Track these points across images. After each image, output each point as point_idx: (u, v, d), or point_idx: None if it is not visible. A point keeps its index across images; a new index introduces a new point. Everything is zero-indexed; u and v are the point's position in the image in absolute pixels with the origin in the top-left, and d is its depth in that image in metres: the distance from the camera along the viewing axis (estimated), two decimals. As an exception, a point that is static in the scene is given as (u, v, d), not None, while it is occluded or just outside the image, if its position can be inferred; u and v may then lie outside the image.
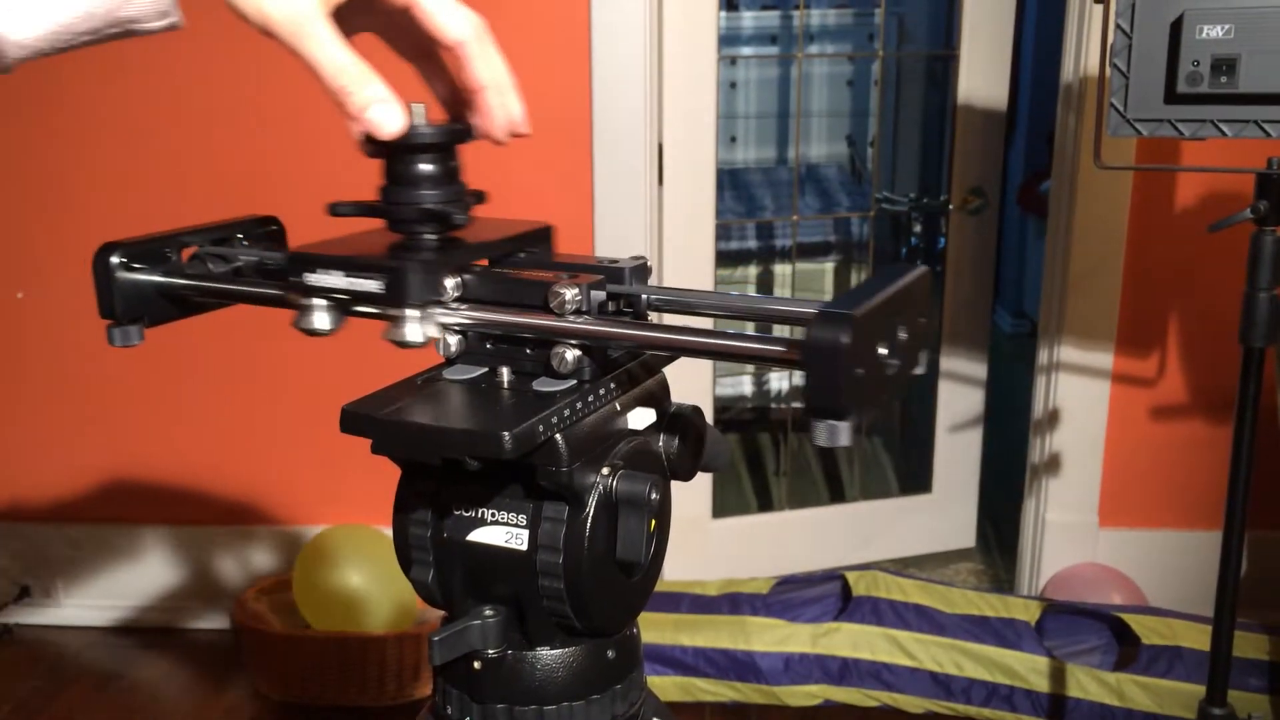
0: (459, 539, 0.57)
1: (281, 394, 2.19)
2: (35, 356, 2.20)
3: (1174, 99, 1.31)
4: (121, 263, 0.61)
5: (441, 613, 0.60)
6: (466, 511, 0.57)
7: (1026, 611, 1.95)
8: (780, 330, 0.63)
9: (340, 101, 0.53)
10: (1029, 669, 1.88)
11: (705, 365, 2.29)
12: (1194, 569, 2.16)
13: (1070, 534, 2.24)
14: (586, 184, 2.05)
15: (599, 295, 0.56)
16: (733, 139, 3.25)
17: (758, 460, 3.01)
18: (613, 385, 0.56)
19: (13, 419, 2.24)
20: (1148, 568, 2.21)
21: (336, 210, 0.59)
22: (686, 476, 0.62)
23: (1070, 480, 2.22)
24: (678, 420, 0.61)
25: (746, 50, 3.23)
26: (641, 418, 0.58)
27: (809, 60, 3.14)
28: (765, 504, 2.73)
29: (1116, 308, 2.12)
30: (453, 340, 0.56)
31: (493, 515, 0.56)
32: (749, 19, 3.16)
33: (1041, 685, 1.87)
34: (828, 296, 3.12)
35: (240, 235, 0.66)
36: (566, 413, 0.53)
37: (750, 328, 0.66)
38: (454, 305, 0.55)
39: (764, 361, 0.50)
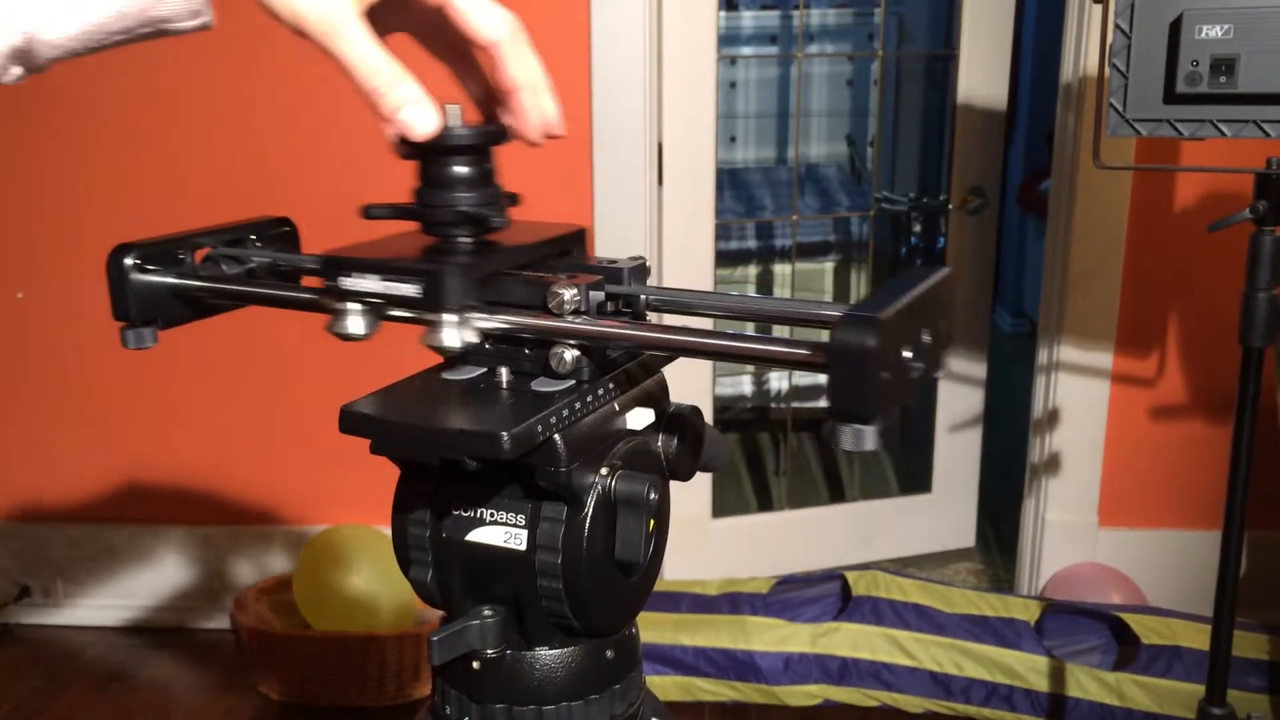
0: (458, 539, 0.57)
1: (281, 394, 2.19)
2: (35, 356, 2.20)
3: (1173, 99, 1.31)
4: (135, 264, 0.60)
5: (441, 612, 0.60)
6: (465, 511, 0.57)
7: (1026, 611, 1.95)
8: (780, 331, 0.63)
9: (373, 102, 0.52)
10: (1029, 669, 1.88)
11: (705, 365, 2.29)
12: (1193, 569, 2.16)
13: (1070, 534, 2.24)
14: (586, 184, 2.05)
15: (598, 295, 0.56)
16: (732, 139, 3.26)
17: (758, 460, 3.01)
18: (611, 385, 0.56)
19: (13, 419, 2.24)
20: (1147, 567, 2.21)
21: (370, 213, 0.58)
22: (685, 476, 0.62)
23: (1070, 480, 2.22)
24: (676, 420, 0.61)
25: (746, 50, 3.23)
26: (640, 418, 0.58)
27: (809, 60, 3.14)
28: (765, 504, 2.73)
29: (1116, 308, 2.12)
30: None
31: (491, 515, 0.56)
32: (749, 19, 3.16)
33: (1041, 685, 1.87)
34: (828, 296, 3.10)
35: (254, 236, 0.66)
36: (565, 413, 0.53)
37: (750, 328, 0.66)
38: (492, 310, 0.55)
39: (787, 365, 0.50)
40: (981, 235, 2.46)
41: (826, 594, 2.09)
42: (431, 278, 0.53)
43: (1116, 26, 1.33)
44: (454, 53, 0.59)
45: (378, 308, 0.55)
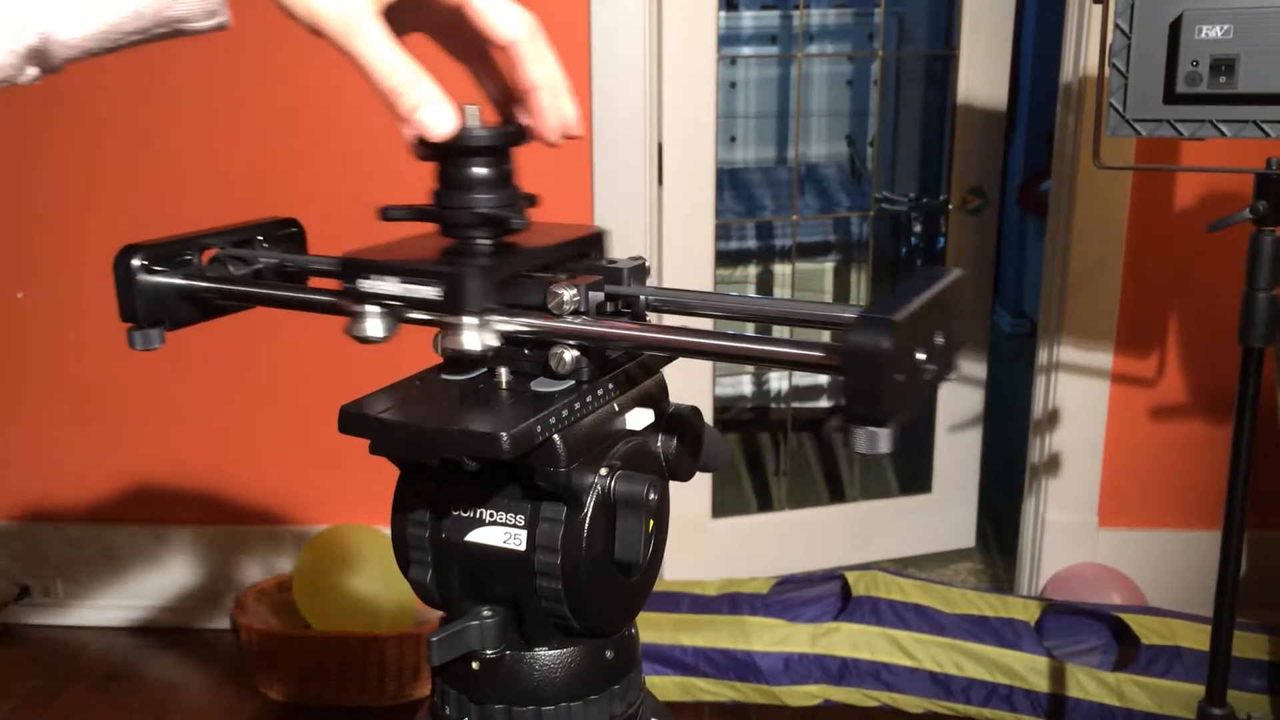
0: (457, 539, 0.57)
1: (281, 394, 2.19)
2: (35, 356, 2.20)
3: (1173, 99, 1.31)
4: (143, 265, 0.60)
5: (440, 613, 0.60)
6: (465, 512, 0.57)
7: (1026, 611, 1.95)
8: (780, 331, 0.63)
9: (390, 102, 0.51)
10: (1029, 669, 1.88)
11: (705, 365, 2.29)
12: (1193, 569, 2.16)
13: (1070, 534, 2.24)
14: (586, 184, 2.05)
15: (597, 296, 0.56)
16: (732, 139, 3.26)
17: (758, 460, 3.01)
18: (611, 386, 0.56)
19: (12, 419, 2.24)
20: (1147, 568, 2.21)
21: (388, 214, 0.57)
22: (685, 477, 0.62)
23: (1070, 480, 2.22)
24: (676, 420, 0.61)
25: (746, 50, 3.23)
26: (640, 418, 0.58)
27: (809, 60, 3.14)
28: (765, 504, 2.73)
29: (1116, 308, 2.12)
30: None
31: (491, 516, 0.56)
32: (749, 19, 3.16)
33: (1041, 685, 1.87)
34: (827, 297, 3.10)
35: (260, 237, 0.66)
36: (564, 413, 0.53)
37: (750, 328, 0.66)
38: (511, 312, 0.54)
39: (799, 367, 0.50)
40: (981, 235, 2.46)
41: (826, 594, 2.09)
42: (452, 280, 0.53)
43: (1116, 26, 1.33)
44: (472, 52, 0.59)
45: (397, 310, 0.55)
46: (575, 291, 0.54)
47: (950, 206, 2.42)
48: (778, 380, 3.13)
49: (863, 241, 2.93)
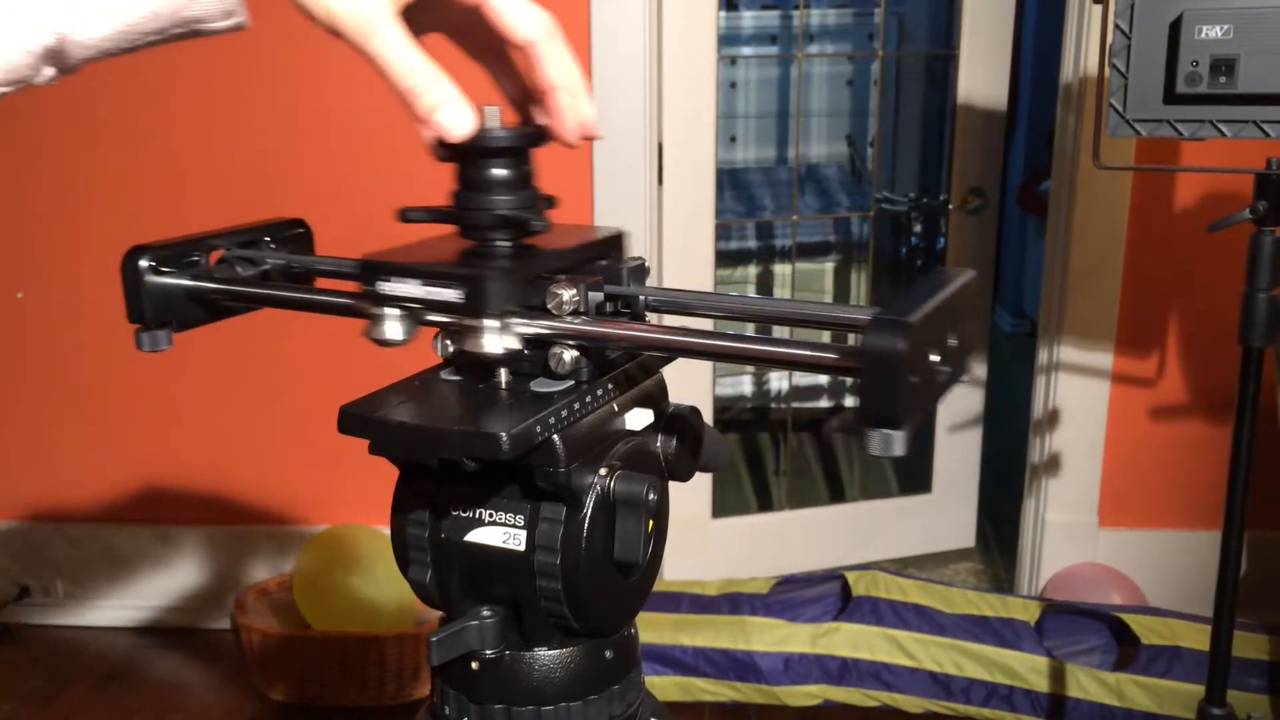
0: (457, 539, 0.57)
1: (281, 394, 2.19)
2: (35, 356, 2.20)
3: (1173, 99, 1.31)
4: (150, 266, 0.59)
5: (440, 613, 0.60)
6: (464, 512, 0.57)
7: (1026, 611, 1.95)
8: (779, 331, 0.63)
9: (408, 103, 0.51)
10: (1029, 669, 1.88)
11: (705, 365, 2.29)
12: (1193, 569, 2.16)
13: (1070, 534, 2.24)
14: (586, 184, 2.05)
15: (597, 296, 0.56)
16: (733, 139, 3.26)
17: (757, 460, 3.01)
18: (610, 386, 0.56)
19: (12, 419, 2.24)
20: (1147, 568, 2.21)
21: (407, 216, 0.57)
22: (685, 477, 0.62)
23: (1070, 480, 2.22)
24: (675, 421, 0.61)
25: (746, 50, 3.23)
26: (639, 418, 0.58)
27: (809, 60, 3.14)
28: (765, 504, 2.73)
29: (1116, 308, 2.12)
30: (451, 341, 0.56)
31: (490, 516, 0.56)
32: (749, 19, 3.16)
33: (1041, 685, 1.87)
34: (828, 297, 3.10)
35: (268, 238, 0.65)
36: (564, 413, 0.53)
37: (750, 328, 0.66)
38: (532, 315, 0.54)
39: (814, 369, 0.49)
40: (981, 235, 2.46)
41: (826, 594, 2.09)
42: (474, 283, 0.52)
43: (1116, 27, 1.33)
44: (490, 53, 0.59)
45: (416, 313, 0.54)
46: (575, 292, 0.54)
47: (950, 206, 2.42)
48: (778, 380, 3.13)
49: (863, 242, 2.93)
